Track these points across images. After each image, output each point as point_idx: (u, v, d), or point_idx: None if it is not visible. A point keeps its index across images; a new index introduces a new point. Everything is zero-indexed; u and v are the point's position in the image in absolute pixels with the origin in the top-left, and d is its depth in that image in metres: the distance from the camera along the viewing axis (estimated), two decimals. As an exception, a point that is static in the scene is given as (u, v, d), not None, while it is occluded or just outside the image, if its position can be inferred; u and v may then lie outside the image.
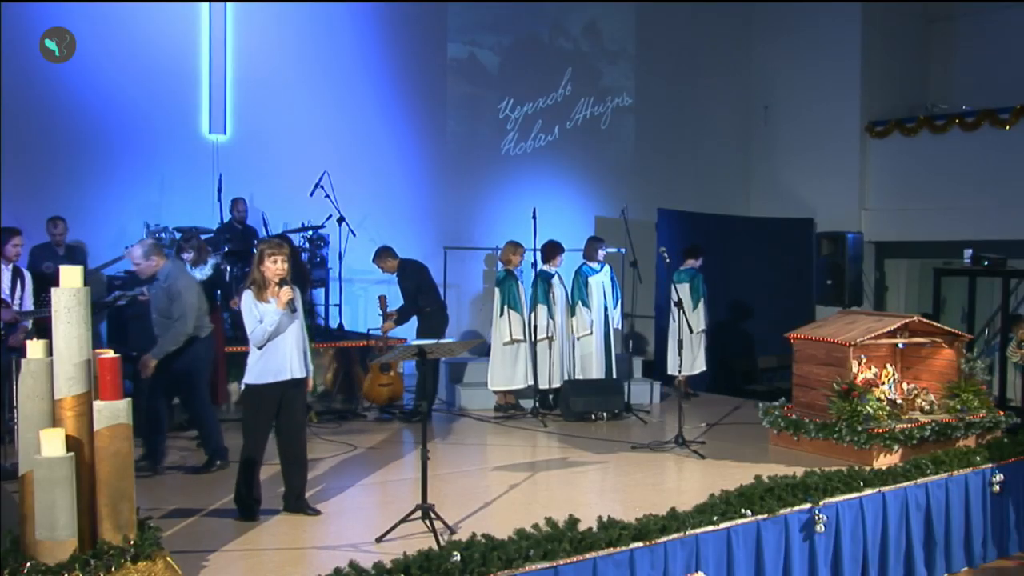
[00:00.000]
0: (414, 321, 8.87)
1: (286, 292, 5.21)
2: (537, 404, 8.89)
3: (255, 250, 5.39)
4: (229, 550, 4.80)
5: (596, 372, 9.04)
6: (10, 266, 6.70)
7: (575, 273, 9.25)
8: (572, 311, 9.12)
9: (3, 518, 4.65)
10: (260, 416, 5.30)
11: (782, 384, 10.33)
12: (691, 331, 8.95)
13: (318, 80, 10.74)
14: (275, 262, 5.24)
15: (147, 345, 8.27)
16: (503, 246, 9.13)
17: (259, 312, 5.21)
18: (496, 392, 9.01)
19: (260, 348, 5.23)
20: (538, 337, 8.92)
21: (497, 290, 8.98)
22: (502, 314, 8.85)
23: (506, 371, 8.90)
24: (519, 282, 8.97)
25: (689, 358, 9.56)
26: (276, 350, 5.25)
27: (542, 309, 8.92)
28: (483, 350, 11.30)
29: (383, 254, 8.78)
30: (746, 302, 12.08)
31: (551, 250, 9.17)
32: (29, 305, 6.65)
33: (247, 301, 5.24)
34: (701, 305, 9.77)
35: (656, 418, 8.84)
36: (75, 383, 4.00)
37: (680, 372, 8.92)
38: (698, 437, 7.64)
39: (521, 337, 8.84)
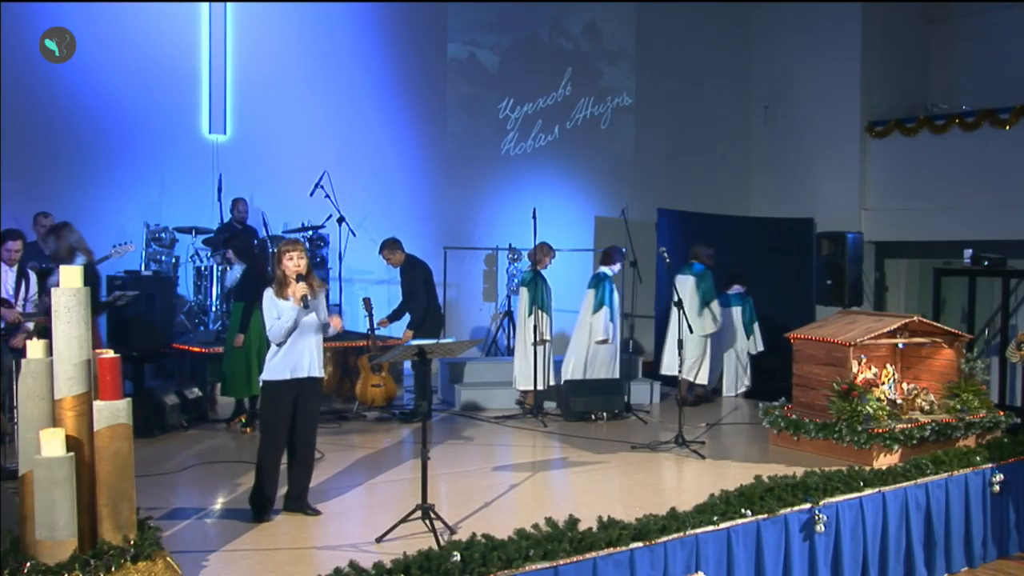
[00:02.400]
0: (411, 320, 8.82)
1: (300, 288, 5.27)
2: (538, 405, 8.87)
3: (272, 251, 5.45)
4: (229, 550, 4.80)
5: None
6: (14, 267, 6.69)
7: (702, 276, 9.45)
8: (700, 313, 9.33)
9: (3, 518, 4.65)
10: (278, 413, 5.32)
11: (782, 384, 10.33)
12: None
13: (318, 80, 10.75)
14: (291, 259, 5.31)
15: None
16: (536, 246, 9.10)
17: (278, 309, 5.28)
18: (522, 391, 8.99)
19: (279, 345, 5.29)
20: (599, 338, 8.95)
21: (525, 290, 8.93)
22: (530, 314, 8.79)
23: (533, 370, 8.82)
24: (547, 283, 8.96)
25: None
26: (294, 347, 5.30)
27: (605, 312, 8.93)
28: (482, 350, 11.32)
29: (392, 245, 8.65)
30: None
31: (612, 254, 9.19)
32: (33, 307, 6.64)
33: (267, 299, 5.32)
34: (756, 328, 10.18)
35: (656, 418, 8.83)
36: (75, 383, 4.00)
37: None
38: (698, 437, 7.64)
39: (549, 337, 8.83)
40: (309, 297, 5.29)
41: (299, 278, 5.30)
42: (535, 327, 8.66)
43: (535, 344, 8.64)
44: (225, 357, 7.92)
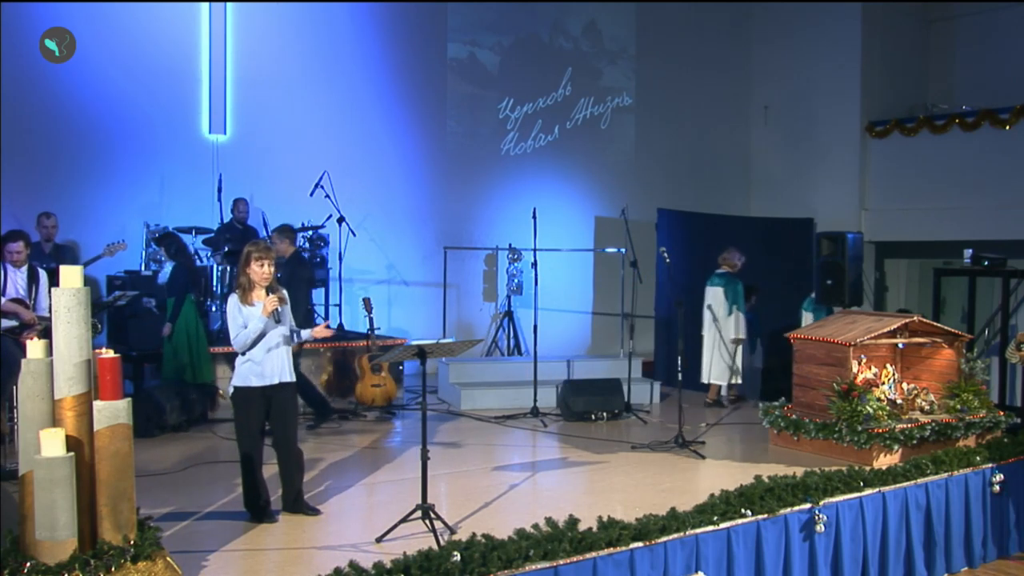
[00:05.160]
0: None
1: (271, 301, 5.23)
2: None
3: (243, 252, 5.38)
4: (229, 550, 4.80)
5: None
6: (21, 268, 6.68)
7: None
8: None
9: (3, 518, 4.65)
10: (251, 418, 5.30)
11: (782, 384, 10.31)
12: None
13: (318, 80, 10.75)
14: (262, 265, 5.24)
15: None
16: (728, 251, 9.42)
17: (243, 317, 5.23)
18: (714, 384, 9.40)
19: (243, 353, 5.24)
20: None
21: (721, 290, 9.24)
22: (730, 314, 9.20)
23: (731, 366, 9.32)
24: (740, 284, 9.34)
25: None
26: (266, 354, 5.27)
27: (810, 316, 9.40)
28: (481, 350, 11.31)
29: (286, 232, 8.11)
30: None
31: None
32: (44, 304, 6.63)
33: (232, 305, 5.26)
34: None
35: (656, 418, 8.83)
36: (75, 383, 4.00)
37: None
38: (698, 437, 7.64)
39: (744, 336, 9.27)
40: (279, 309, 5.29)
41: (268, 290, 5.27)
42: (736, 326, 9.24)
43: (735, 342, 9.25)
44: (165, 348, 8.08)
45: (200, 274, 8.86)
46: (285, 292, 5.48)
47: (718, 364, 9.41)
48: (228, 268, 8.82)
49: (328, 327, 5.69)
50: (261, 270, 5.24)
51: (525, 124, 12.35)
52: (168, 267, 8.06)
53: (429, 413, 6.19)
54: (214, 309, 8.93)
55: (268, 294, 5.27)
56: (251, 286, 5.26)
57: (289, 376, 5.37)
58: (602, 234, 12.58)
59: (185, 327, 7.97)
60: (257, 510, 5.29)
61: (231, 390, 5.35)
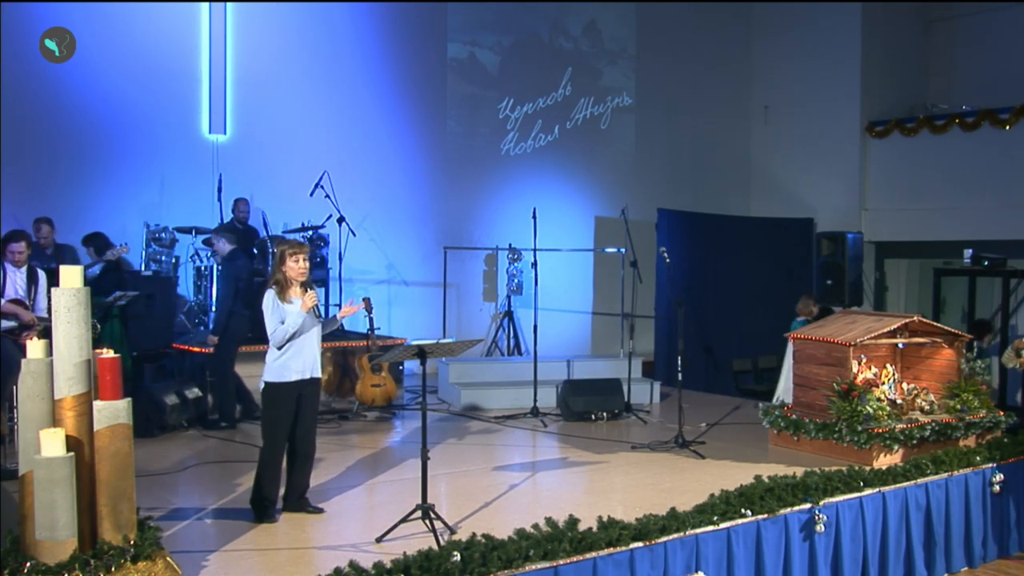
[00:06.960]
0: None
1: (311, 297, 5.32)
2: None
3: (274, 251, 5.45)
4: (229, 550, 4.80)
5: None
6: (21, 268, 6.68)
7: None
8: None
9: (3, 518, 4.65)
10: (281, 414, 5.34)
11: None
12: None
13: (318, 80, 10.75)
14: (297, 261, 5.33)
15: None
16: (803, 299, 9.40)
17: (282, 313, 5.28)
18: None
19: (280, 348, 5.29)
20: None
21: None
22: None
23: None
24: None
25: None
26: (299, 349, 5.33)
27: None
28: (481, 350, 11.32)
29: (223, 232, 8.17)
30: (746, 302, 12.08)
31: None
32: (42, 305, 6.64)
33: (269, 301, 5.31)
34: None
35: (656, 418, 8.83)
36: (75, 383, 4.00)
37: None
38: (698, 437, 7.64)
39: None
40: (318, 305, 5.35)
41: (305, 286, 5.36)
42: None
43: None
44: None
45: (129, 277, 8.53)
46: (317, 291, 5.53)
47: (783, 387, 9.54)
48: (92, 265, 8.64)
49: (353, 303, 5.76)
50: (297, 265, 5.32)
51: (525, 124, 12.36)
52: (98, 268, 7.93)
53: (429, 413, 6.19)
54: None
55: (306, 290, 5.35)
56: (288, 283, 5.32)
57: (318, 372, 5.45)
58: (602, 234, 12.58)
59: (110, 335, 7.77)
60: (262, 509, 5.30)
61: (262, 386, 5.38)
